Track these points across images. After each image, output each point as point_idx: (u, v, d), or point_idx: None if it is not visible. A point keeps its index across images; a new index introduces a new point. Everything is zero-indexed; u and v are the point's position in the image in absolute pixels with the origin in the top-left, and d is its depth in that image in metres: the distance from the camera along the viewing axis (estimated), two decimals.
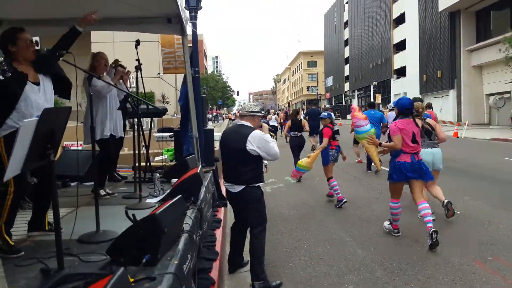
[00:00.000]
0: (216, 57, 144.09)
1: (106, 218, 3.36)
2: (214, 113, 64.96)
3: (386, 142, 5.15)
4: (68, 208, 3.93)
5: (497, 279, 3.77)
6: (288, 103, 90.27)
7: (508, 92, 24.38)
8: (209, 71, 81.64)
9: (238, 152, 3.72)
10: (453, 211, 5.53)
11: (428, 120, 5.90)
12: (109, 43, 29.81)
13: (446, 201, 5.52)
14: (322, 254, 4.62)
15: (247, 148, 3.65)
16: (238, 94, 77.87)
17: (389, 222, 5.28)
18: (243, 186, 3.77)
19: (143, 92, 5.15)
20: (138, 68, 4.81)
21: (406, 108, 4.92)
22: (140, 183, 4.34)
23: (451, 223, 5.56)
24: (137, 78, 4.78)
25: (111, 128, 4.53)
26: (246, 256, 4.11)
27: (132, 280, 2.23)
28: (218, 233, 5.08)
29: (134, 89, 5.21)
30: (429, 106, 11.06)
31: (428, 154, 5.57)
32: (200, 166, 5.02)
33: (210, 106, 62.55)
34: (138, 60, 4.76)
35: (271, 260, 4.49)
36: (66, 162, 5.57)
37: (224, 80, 65.35)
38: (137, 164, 4.55)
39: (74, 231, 3.13)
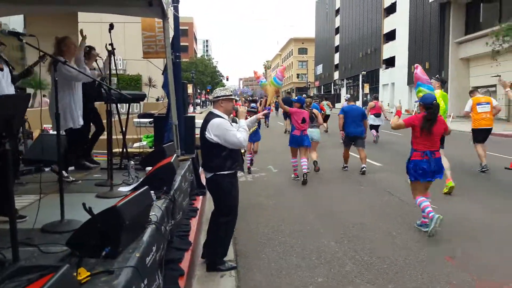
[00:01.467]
0: (207, 40, 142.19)
1: (74, 206, 3.28)
2: (203, 98, 64.52)
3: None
4: (37, 195, 3.85)
5: (463, 275, 3.82)
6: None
7: (494, 85, 24.60)
8: (199, 55, 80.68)
9: (202, 140, 3.78)
10: (319, 168, 8.86)
11: (314, 110, 9.05)
12: (97, 24, 29.14)
13: (314, 160, 8.81)
14: (295, 246, 4.63)
15: (206, 136, 3.70)
16: (227, 80, 77.26)
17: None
18: (211, 174, 3.82)
19: (128, 75, 5.05)
20: (111, 52, 4.67)
21: (302, 103, 8.44)
22: (112, 171, 4.27)
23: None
24: (109, 63, 4.65)
25: (79, 117, 4.43)
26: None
27: (88, 273, 2.19)
28: (194, 222, 5.05)
29: (114, 72, 5.03)
30: (376, 98, 15.76)
31: (310, 132, 8.55)
32: (175, 155, 4.96)
33: (198, 91, 62.05)
34: (111, 44, 4.61)
35: (244, 251, 4.48)
36: (42, 146, 5.46)
37: (213, 65, 64.62)
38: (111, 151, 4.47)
39: (40, 219, 3.08)
